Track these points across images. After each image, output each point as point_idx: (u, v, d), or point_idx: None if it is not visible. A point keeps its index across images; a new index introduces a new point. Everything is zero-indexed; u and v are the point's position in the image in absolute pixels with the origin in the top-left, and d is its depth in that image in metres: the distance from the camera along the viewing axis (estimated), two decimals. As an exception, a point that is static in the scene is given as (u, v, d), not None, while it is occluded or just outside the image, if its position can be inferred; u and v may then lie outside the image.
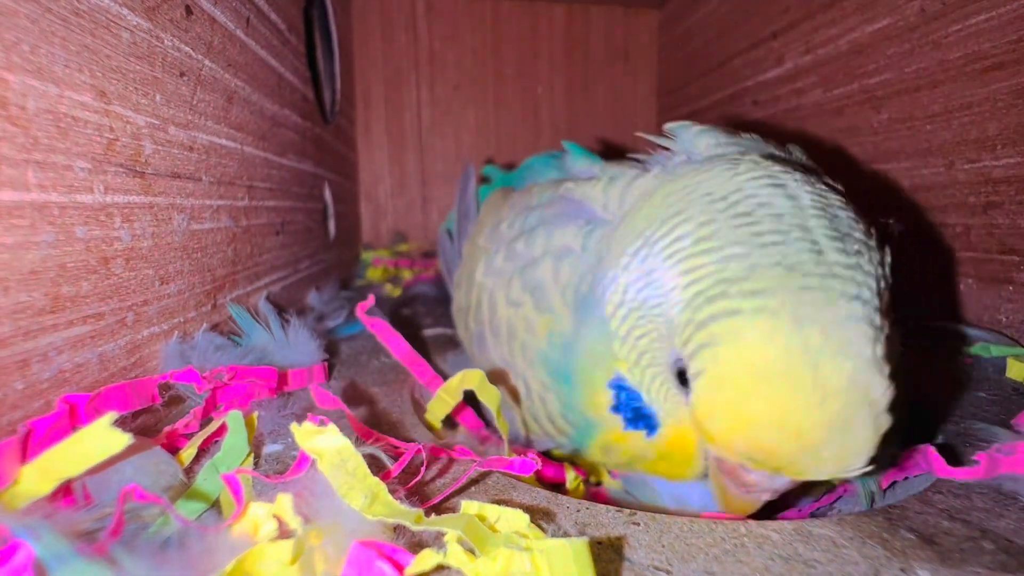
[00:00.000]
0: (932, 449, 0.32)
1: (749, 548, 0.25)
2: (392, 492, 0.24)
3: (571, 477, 0.38)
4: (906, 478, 0.33)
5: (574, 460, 0.41)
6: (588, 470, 0.41)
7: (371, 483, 0.24)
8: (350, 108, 1.08)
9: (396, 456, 0.29)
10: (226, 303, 0.45)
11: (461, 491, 0.29)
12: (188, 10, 0.39)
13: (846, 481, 0.34)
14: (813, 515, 0.35)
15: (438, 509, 0.27)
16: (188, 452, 0.29)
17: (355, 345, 0.56)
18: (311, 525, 0.22)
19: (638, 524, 0.26)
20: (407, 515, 0.23)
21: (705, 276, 0.27)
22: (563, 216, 0.41)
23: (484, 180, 0.74)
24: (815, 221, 0.27)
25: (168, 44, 0.36)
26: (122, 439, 0.22)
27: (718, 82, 0.98)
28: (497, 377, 0.42)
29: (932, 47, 0.55)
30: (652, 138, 0.40)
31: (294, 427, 0.25)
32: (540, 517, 0.27)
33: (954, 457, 0.33)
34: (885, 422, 0.25)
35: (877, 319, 0.25)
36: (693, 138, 0.37)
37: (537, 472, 0.33)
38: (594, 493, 0.39)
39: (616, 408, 0.32)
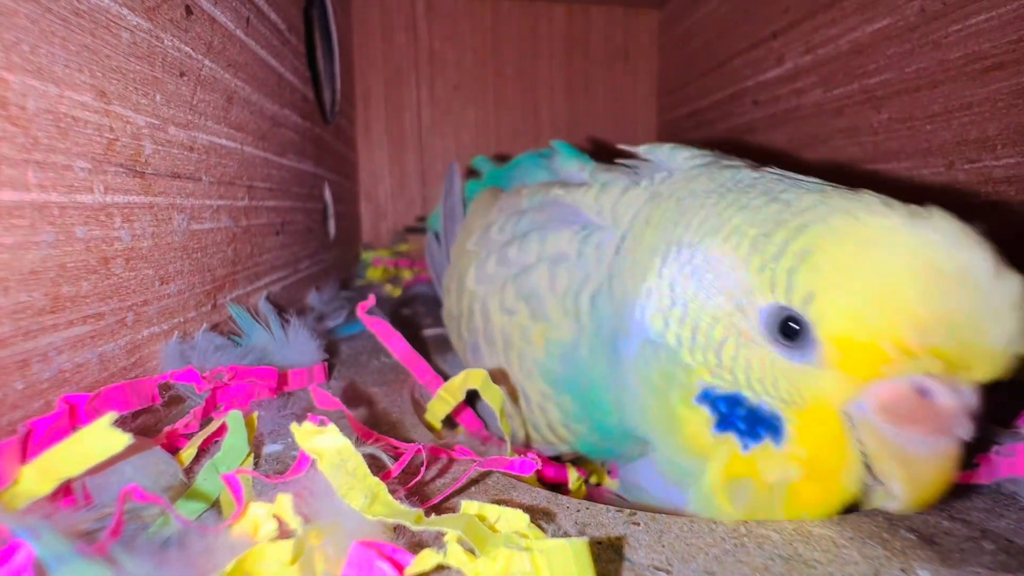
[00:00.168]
0: None
1: (749, 548, 0.25)
2: (392, 492, 0.24)
3: (574, 477, 0.38)
4: None
5: (575, 461, 0.41)
6: (588, 470, 0.41)
7: (371, 483, 0.24)
8: (350, 108, 1.08)
9: (396, 456, 0.29)
10: (226, 303, 0.45)
11: (461, 491, 0.29)
12: (188, 10, 0.39)
13: None
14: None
15: (438, 509, 0.27)
16: (188, 452, 0.29)
17: (355, 345, 0.56)
18: (311, 525, 0.22)
19: (638, 524, 0.26)
20: (407, 515, 0.23)
21: (752, 225, 0.26)
22: (556, 221, 0.41)
23: (472, 173, 0.73)
24: (805, 180, 0.29)
25: (168, 44, 0.36)
26: (122, 439, 0.22)
27: (718, 82, 0.98)
28: (499, 377, 0.42)
29: (932, 47, 0.55)
30: (632, 149, 0.40)
31: (294, 427, 0.25)
32: (540, 517, 0.27)
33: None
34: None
35: None
36: (668, 154, 0.37)
37: (537, 472, 0.33)
38: (594, 493, 0.39)
39: (723, 424, 0.26)
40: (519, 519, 0.23)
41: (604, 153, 0.49)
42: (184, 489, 0.26)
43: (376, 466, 0.26)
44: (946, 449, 0.23)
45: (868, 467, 0.25)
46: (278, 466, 0.30)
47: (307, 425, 0.25)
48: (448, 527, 0.22)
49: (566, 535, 0.25)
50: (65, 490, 0.23)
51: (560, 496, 0.29)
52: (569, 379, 0.37)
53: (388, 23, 1.14)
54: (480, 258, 0.47)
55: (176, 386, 0.33)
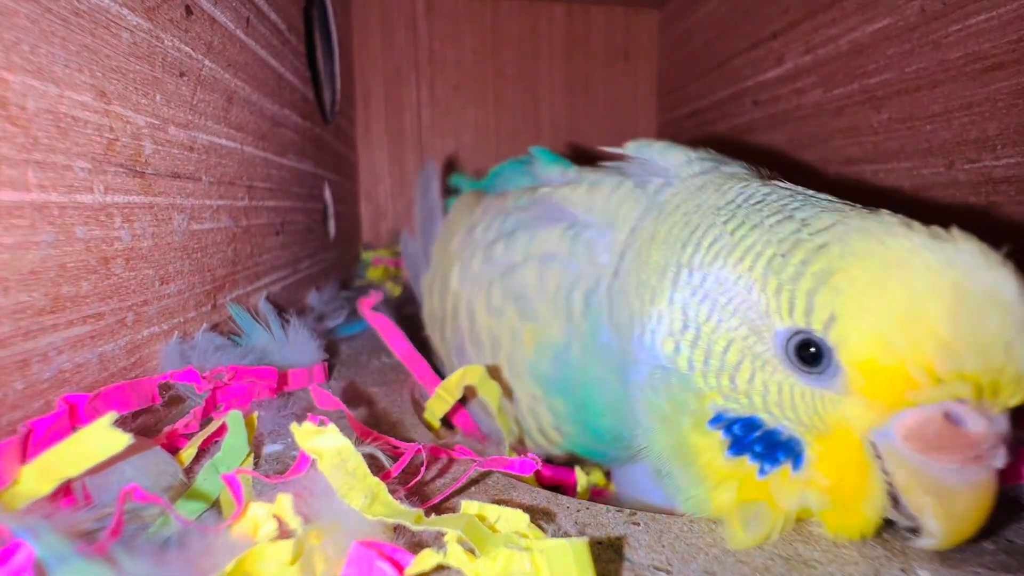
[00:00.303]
0: None
1: (749, 548, 0.25)
2: (392, 492, 0.24)
3: (583, 480, 0.37)
4: None
5: (575, 462, 0.41)
6: (587, 471, 0.41)
7: (371, 483, 0.24)
8: (350, 108, 1.08)
9: (396, 456, 0.29)
10: (226, 303, 0.45)
11: (461, 491, 0.29)
12: (188, 10, 0.39)
13: None
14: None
15: (438, 509, 0.27)
16: (188, 452, 0.29)
17: (355, 345, 0.56)
18: (311, 525, 0.22)
19: (638, 524, 0.26)
20: (407, 515, 0.23)
21: (767, 245, 0.25)
22: (542, 219, 0.40)
23: (451, 192, 0.72)
24: (816, 196, 0.28)
25: (168, 44, 0.36)
26: (122, 439, 0.22)
27: (718, 82, 0.98)
28: (496, 374, 0.41)
29: (932, 47, 0.55)
30: (618, 150, 0.38)
31: (294, 427, 0.25)
32: (540, 517, 0.27)
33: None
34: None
35: None
36: (661, 154, 0.36)
37: (537, 473, 0.33)
38: (594, 493, 0.39)
39: (737, 447, 0.25)
40: (519, 519, 0.23)
41: (591, 160, 0.49)
42: (184, 489, 0.26)
43: (376, 466, 0.26)
44: (981, 479, 0.22)
45: (896, 500, 0.24)
46: (278, 466, 0.30)
47: (307, 425, 0.25)
48: (448, 527, 0.22)
49: (566, 535, 0.25)
50: (65, 490, 0.23)
51: (560, 496, 0.29)
52: (561, 380, 0.36)
53: (388, 23, 1.14)
54: (464, 258, 0.46)
55: (176, 386, 0.33)
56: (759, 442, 0.25)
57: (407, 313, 0.75)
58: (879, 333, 0.22)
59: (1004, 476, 0.26)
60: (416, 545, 0.23)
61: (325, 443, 0.25)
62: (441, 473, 0.31)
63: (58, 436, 0.24)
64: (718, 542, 0.25)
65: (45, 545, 0.17)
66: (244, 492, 0.23)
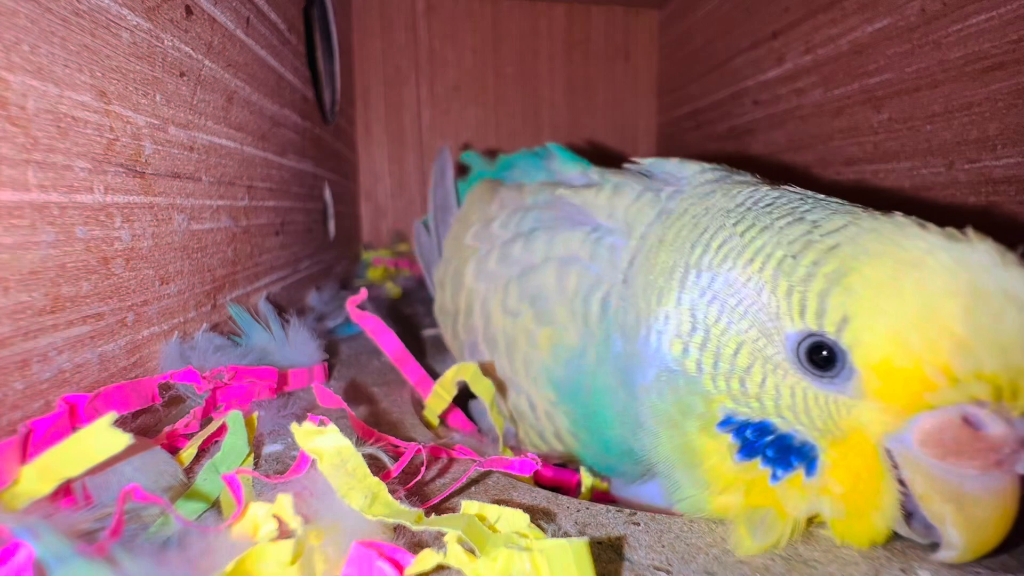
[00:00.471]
0: None
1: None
2: (392, 492, 0.24)
3: (587, 481, 0.37)
4: None
5: (576, 463, 0.41)
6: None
7: (371, 483, 0.24)
8: (350, 108, 1.08)
9: (396, 456, 0.29)
10: (226, 303, 0.45)
11: (461, 491, 0.29)
12: (188, 10, 0.39)
13: None
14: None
15: (438, 509, 0.27)
16: (188, 452, 0.29)
17: (355, 345, 0.56)
18: (311, 525, 0.22)
19: (638, 524, 0.26)
20: (407, 515, 0.23)
21: (777, 246, 0.25)
22: (564, 220, 0.39)
23: (462, 169, 0.70)
24: (825, 200, 0.28)
25: (168, 44, 0.36)
26: (122, 439, 0.22)
27: (718, 82, 0.98)
28: (489, 370, 0.41)
29: (932, 47, 0.55)
30: (636, 160, 0.39)
31: (294, 427, 0.25)
32: (540, 517, 0.27)
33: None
34: None
35: None
36: (676, 167, 0.36)
37: (537, 473, 0.33)
38: (595, 495, 0.39)
39: (748, 450, 0.24)
40: (519, 519, 0.23)
41: (603, 158, 0.49)
42: (184, 489, 0.26)
43: (376, 466, 0.26)
44: (1003, 485, 0.21)
45: (911, 514, 0.23)
46: (278, 466, 0.30)
47: (307, 425, 0.25)
48: (448, 527, 0.22)
49: (566, 535, 0.25)
50: (65, 490, 0.23)
51: (560, 496, 0.29)
52: (574, 386, 0.36)
53: (388, 23, 1.14)
54: (480, 254, 0.45)
55: (176, 386, 0.33)
56: (771, 447, 0.24)
57: (406, 313, 0.75)
58: (894, 333, 0.21)
59: None
60: (416, 545, 0.23)
61: (325, 443, 0.25)
62: (441, 473, 0.31)
63: (58, 436, 0.24)
64: (718, 542, 0.25)
65: (45, 545, 0.17)
66: (244, 492, 0.23)
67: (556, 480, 0.38)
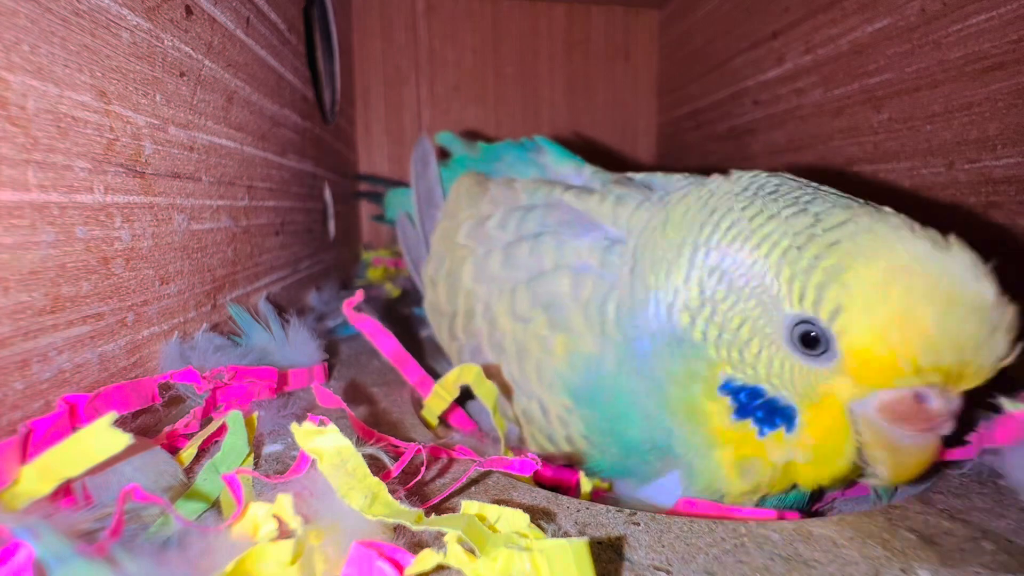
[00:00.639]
0: None
1: (749, 548, 0.25)
2: (392, 492, 0.24)
3: (587, 486, 0.37)
4: None
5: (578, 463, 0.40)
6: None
7: (371, 483, 0.24)
8: (350, 108, 1.08)
9: (396, 456, 0.29)
10: (226, 303, 0.45)
11: (461, 491, 0.29)
12: (188, 10, 0.39)
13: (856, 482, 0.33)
14: (813, 515, 0.35)
15: (438, 509, 0.27)
16: (188, 452, 0.29)
17: (355, 345, 0.56)
18: (311, 525, 0.22)
19: (638, 524, 0.26)
20: (407, 515, 0.23)
21: (781, 236, 0.28)
22: (570, 226, 0.39)
23: (442, 154, 0.67)
24: (823, 190, 0.30)
25: (168, 44, 0.36)
26: (122, 439, 0.22)
27: (718, 82, 0.98)
28: (492, 373, 0.41)
29: (932, 47, 0.55)
30: (629, 176, 0.42)
31: (294, 427, 0.25)
32: (540, 517, 0.27)
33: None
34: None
35: None
36: (663, 179, 0.40)
37: (537, 473, 0.33)
38: (595, 495, 0.39)
39: (742, 411, 0.29)
40: (519, 519, 0.23)
41: (602, 158, 0.49)
42: (184, 489, 0.26)
43: (376, 466, 0.26)
44: (929, 442, 0.27)
45: (860, 451, 0.28)
46: (278, 466, 0.30)
47: (307, 425, 0.25)
48: (448, 527, 0.22)
49: (566, 535, 0.25)
50: (65, 490, 0.23)
51: (560, 496, 0.29)
52: (592, 392, 0.36)
53: (388, 23, 1.14)
54: (479, 254, 0.45)
55: (176, 386, 0.33)
56: (761, 408, 0.29)
57: (405, 314, 0.75)
58: (878, 329, 0.25)
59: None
60: (416, 545, 0.23)
61: (325, 443, 0.25)
62: (441, 473, 0.31)
63: (58, 436, 0.24)
64: (718, 542, 0.25)
65: (45, 545, 0.17)
66: (244, 492, 0.23)
67: (556, 480, 0.38)
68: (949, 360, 0.25)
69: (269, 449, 0.32)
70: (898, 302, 0.25)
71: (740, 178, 0.32)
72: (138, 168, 0.33)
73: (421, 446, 0.30)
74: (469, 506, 0.24)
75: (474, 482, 0.30)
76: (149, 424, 0.32)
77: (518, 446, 0.41)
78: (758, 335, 0.28)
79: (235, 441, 0.29)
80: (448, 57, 1.17)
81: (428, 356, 0.59)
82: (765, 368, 0.28)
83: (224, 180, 0.45)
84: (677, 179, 0.38)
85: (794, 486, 0.31)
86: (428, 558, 0.21)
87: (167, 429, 0.30)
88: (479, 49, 1.18)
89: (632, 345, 0.33)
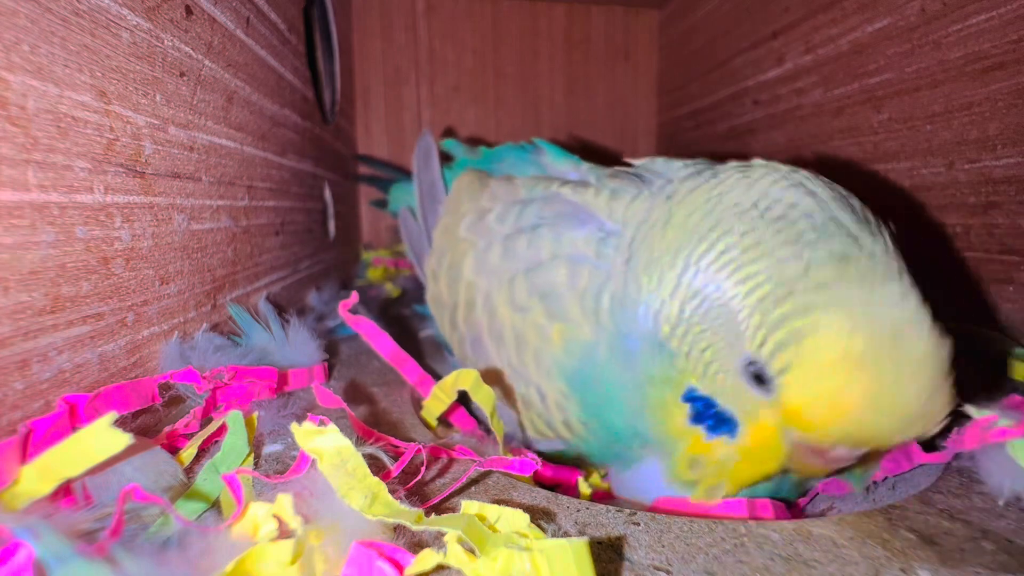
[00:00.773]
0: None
1: (749, 548, 0.25)
2: (392, 492, 0.24)
3: (584, 486, 0.38)
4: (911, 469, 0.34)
5: (577, 464, 0.41)
6: (585, 472, 0.41)
7: (371, 483, 0.24)
8: (350, 108, 1.08)
9: (396, 456, 0.29)
10: (226, 303, 0.45)
11: (461, 491, 0.29)
12: (188, 10, 0.39)
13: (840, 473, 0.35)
14: (812, 515, 0.35)
15: (438, 509, 0.27)
16: (188, 452, 0.29)
17: (355, 345, 0.56)
18: (311, 525, 0.22)
19: (638, 524, 0.26)
20: (407, 515, 0.23)
21: (765, 280, 0.29)
22: (567, 218, 0.40)
23: (445, 158, 0.67)
24: (840, 213, 0.30)
25: (168, 44, 0.36)
26: (122, 439, 0.22)
27: (718, 82, 0.98)
28: (491, 378, 0.41)
29: (932, 47, 0.55)
30: (628, 160, 0.42)
31: (294, 427, 0.25)
32: (540, 517, 0.27)
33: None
34: (952, 377, 0.27)
35: (916, 286, 0.28)
36: (663, 164, 0.40)
37: (537, 473, 0.33)
38: (595, 495, 0.39)
39: (696, 419, 0.33)
40: (519, 519, 0.23)
41: (602, 158, 0.49)
42: (184, 489, 0.26)
43: (376, 466, 0.26)
44: (828, 466, 0.31)
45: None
46: (278, 466, 0.30)
47: (307, 425, 0.25)
48: (448, 527, 0.22)
49: (566, 535, 0.25)
50: (65, 490, 0.23)
51: (560, 496, 0.29)
52: (586, 378, 0.37)
53: (388, 23, 1.14)
54: (479, 247, 0.46)
55: (176, 386, 0.33)
56: (712, 418, 0.32)
57: (404, 314, 0.75)
58: (814, 397, 0.28)
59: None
60: (416, 545, 0.23)
61: (325, 443, 0.25)
62: (441, 473, 0.31)
63: (58, 436, 0.24)
64: (718, 542, 0.25)
65: (45, 545, 0.17)
66: (244, 492, 0.23)
67: (556, 480, 0.38)
68: (869, 443, 0.28)
69: (269, 449, 0.32)
70: (839, 387, 0.27)
71: (755, 184, 0.32)
72: (138, 168, 0.33)
73: (421, 446, 0.30)
74: (469, 506, 0.24)
75: (474, 482, 0.30)
76: (149, 424, 0.32)
77: (519, 447, 0.41)
78: (718, 360, 0.31)
79: (235, 441, 0.29)
80: (448, 57, 1.17)
81: (427, 356, 0.59)
82: (720, 387, 0.31)
83: (224, 180, 0.45)
84: (679, 166, 0.38)
85: (760, 481, 0.34)
86: (428, 558, 0.21)
87: (167, 429, 0.30)
88: (479, 49, 1.18)
89: (623, 339, 0.35)
